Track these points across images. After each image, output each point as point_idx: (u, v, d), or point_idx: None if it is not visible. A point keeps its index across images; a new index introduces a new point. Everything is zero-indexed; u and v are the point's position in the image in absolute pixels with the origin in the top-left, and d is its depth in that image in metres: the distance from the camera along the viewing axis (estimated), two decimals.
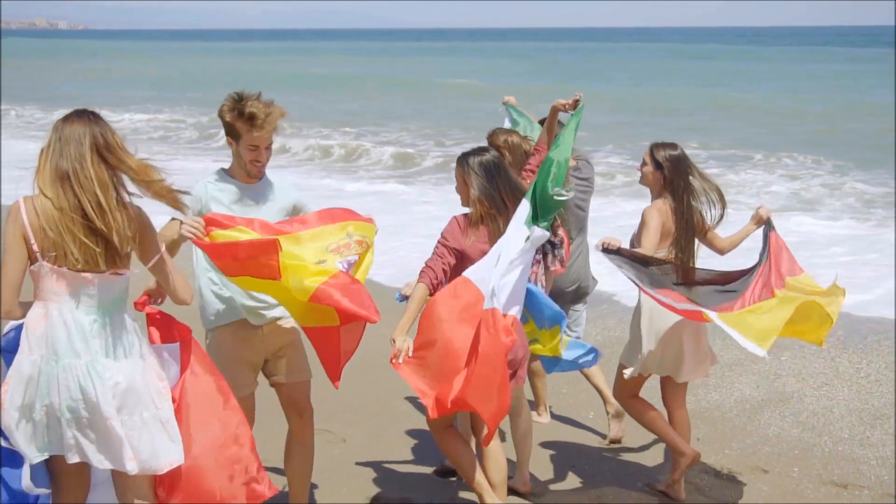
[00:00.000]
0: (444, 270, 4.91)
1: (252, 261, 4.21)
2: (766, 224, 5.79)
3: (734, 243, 5.90)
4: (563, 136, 4.96)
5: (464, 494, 5.68)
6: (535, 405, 7.01)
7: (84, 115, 3.80)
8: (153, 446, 3.84)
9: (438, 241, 5.00)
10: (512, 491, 5.51)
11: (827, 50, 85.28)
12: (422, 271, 4.94)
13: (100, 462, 3.78)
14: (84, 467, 3.92)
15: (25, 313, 3.78)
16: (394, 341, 4.74)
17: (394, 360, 4.72)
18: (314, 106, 33.30)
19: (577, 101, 5.54)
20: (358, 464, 6.12)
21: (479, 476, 4.95)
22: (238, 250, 4.21)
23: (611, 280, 8.60)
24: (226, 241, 4.23)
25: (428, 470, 6.06)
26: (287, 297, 4.39)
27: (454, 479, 5.90)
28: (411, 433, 6.68)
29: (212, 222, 4.29)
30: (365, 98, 38.52)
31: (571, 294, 6.43)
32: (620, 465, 6.25)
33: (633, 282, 5.42)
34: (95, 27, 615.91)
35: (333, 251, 4.46)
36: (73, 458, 3.79)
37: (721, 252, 5.93)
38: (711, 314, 5.15)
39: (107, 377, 3.73)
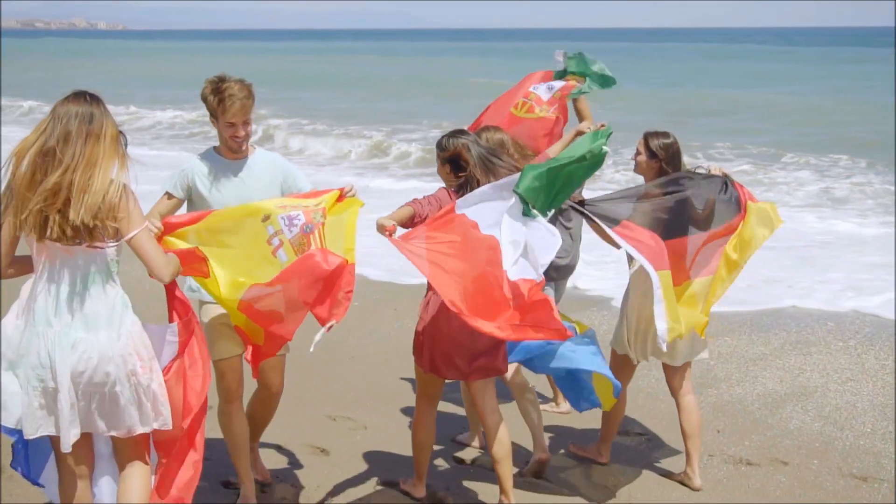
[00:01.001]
0: (430, 213, 4.96)
1: (188, 266, 4.42)
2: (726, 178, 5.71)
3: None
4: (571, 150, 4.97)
5: (482, 481, 5.73)
6: (553, 395, 7.07)
7: (81, 96, 3.95)
8: (123, 418, 3.98)
9: (431, 195, 5.11)
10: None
11: (868, 51, 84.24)
12: (411, 201, 5.03)
13: (67, 432, 3.93)
14: (83, 441, 4.07)
15: (20, 272, 4.02)
16: (380, 225, 4.78)
17: (390, 236, 4.74)
18: (349, 105, 33.51)
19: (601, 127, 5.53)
20: (378, 450, 6.19)
21: (422, 462, 5.37)
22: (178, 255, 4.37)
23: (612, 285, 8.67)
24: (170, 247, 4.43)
25: (446, 453, 6.11)
26: (220, 297, 4.60)
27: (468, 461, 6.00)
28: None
29: (168, 227, 4.51)
30: (397, 97, 38.65)
31: (565, 269, 6.50)
32: (635, 454, 6.27)
33: (605, 228, 5.38)
34: (134, 27, 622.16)
35: (280, 207, 4.62)
36: (41, 431, 3.94)
37: None
38: (654, 275, 5.19)
39: (80, 349, 3.86)
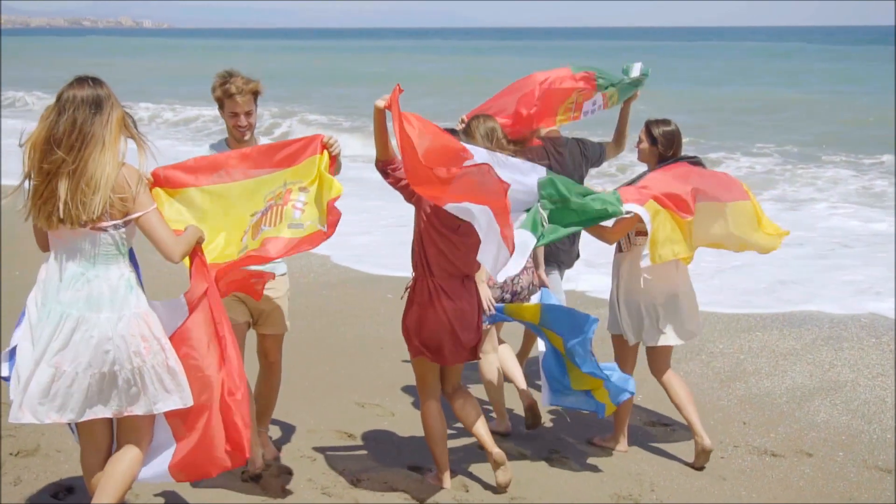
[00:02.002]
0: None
1: None
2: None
3: None
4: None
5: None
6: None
7: (84, 81, 4.05)
8: (120, 398, 4.06)
9: None
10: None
11: None
12: None
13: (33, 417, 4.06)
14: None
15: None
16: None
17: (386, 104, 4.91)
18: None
19: None
20: (405, 436, 6.28)
21: (441, 454, 5.48)
22: None
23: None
24: None
25: (469, 440, 6.19)
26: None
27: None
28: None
29: (166, 181, 4.63)
30: (440, 95, 38.72)
31: (572, 255, 6.93)
32: (660, 444, 6.30)
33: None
34: (180, 26, 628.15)
35: (269, 200, 4.78)
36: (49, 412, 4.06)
37: None
38: (641, 211, 5.53)
39: (82, 328, 3.97)
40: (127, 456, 4.21)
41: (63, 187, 3.93)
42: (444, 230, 5.18)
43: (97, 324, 3.99)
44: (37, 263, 4.24)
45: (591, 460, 5.98)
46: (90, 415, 4.07)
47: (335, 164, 4.91)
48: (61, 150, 3.93)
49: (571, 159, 6.68)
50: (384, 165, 5.18)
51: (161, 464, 4.33)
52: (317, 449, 5.98)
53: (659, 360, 6.07)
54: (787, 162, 20.15)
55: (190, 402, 4.18)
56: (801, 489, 5.70)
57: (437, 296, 5.21)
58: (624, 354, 6.09)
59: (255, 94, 5.30)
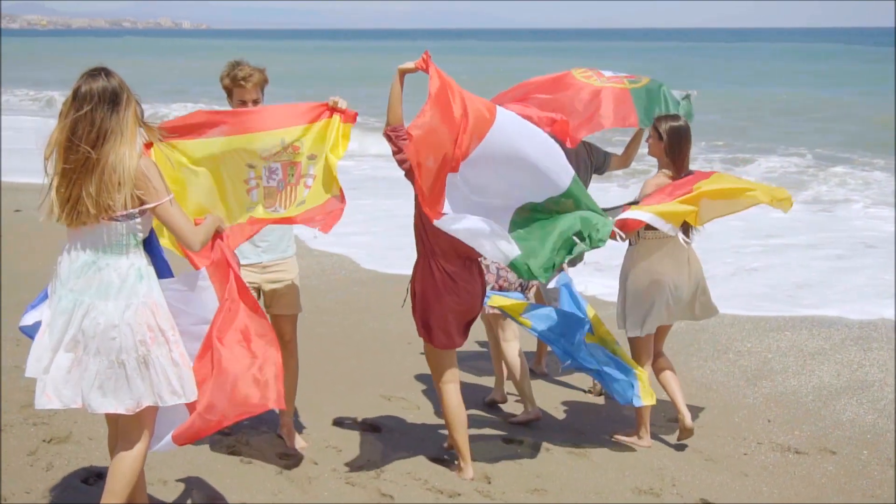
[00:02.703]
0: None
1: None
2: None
3: None
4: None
5: (524, 458, 5.85)
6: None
7: (98, 74, 4.08)
8: (127, 390, 4.09)
9: None
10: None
11: None
12: None
13: (57, 402, 4.13)
14: None
15: None
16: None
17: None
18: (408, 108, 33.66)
19: None
20: (429, 428, 6.35)
21: (462, 442, 5.53)
22: None
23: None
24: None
25: (491, 432, 6.25)
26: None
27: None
28: (475, 403, 6.87)
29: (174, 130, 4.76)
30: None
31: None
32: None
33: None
34: (219, 27, 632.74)
35: (265, 158, 4.92)
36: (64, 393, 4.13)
37: None
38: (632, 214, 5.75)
39: (91, 315, 4.04)
40: (130, 453, 4.24)
41: (86, 186, 3.99)
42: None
43: (104, 311, 4.04)
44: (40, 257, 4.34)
45: (612, 454, 6.01)
46: (104, 407, 4.11)
47: (349, 117, 5.12)
48: (82, 148, 3.98)
49: (576, 161, 6.57)
50: (393, 132, 5.26)
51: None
52: (342, 440, 6.05)
53: (660, 343, 6.29)
54: (821, 163, 20.02)
55: (193, 398, 4.20)
56: (823, 486, 5.70)
57: (442, 276, 5.33)
58: (637, 349, 6.15)
59: (263, 82, 5.49)
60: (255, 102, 5.45)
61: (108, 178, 4.00)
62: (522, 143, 5.14)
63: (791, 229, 13.68)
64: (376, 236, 12.94)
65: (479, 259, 5.54)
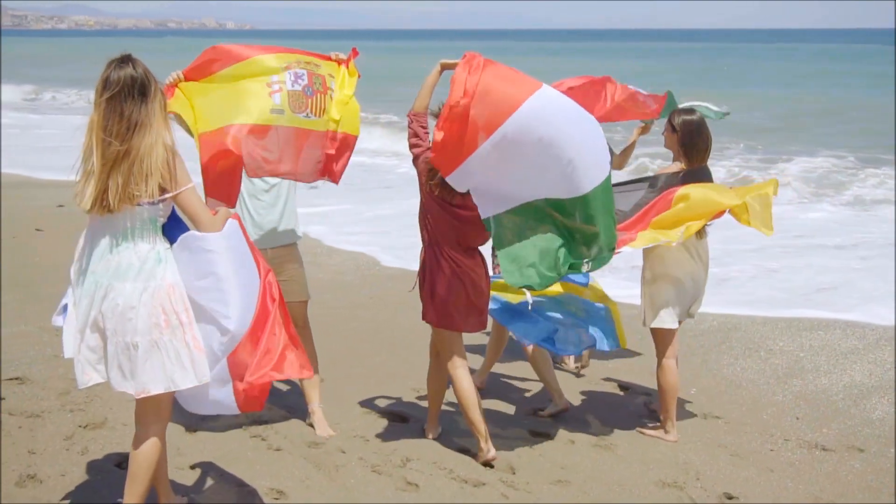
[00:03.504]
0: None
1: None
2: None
3: None
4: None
5: (549, 450, 5.91)
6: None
7: (126, 62, 4.15)
8: (141, 372, 4.15)
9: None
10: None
11: None
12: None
13: (87, 380, 4.24)
14: None
15: None
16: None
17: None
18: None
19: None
20: (457, 420, 6.39)
21: (478, 420, 5.67)
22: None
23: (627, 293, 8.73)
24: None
25: (517, 424, 6.30)
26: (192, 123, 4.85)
27: None
28: (501, 395, 6.95)
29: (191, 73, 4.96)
30: None
31: None
32: (709, 436, 6.33)
33: None
34: (262, 27, 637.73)
35: (285, 68, 5.04)
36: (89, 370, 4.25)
37: None
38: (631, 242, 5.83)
39: (110, 296, 4.13)
40: (147, 438, 4.34)
41: (114, 176, 4.08)
42: (442, 202, 5.49)
43: (123, 292, 4.13)
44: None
45: (637, 448, 6.05)
46: (121, 387, 4.20)
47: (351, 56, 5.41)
48: (115, 139, 4.08)
49: None
50: (415, 116, 5.54)
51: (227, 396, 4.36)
52: (370, 430, 6.14)
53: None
54: (862, 164, 19.83)
55: (206, 380, 4.25)
56: (849, 483, 5.68)
57: (447, 263, 5.54)
58: (658, 341, 6.22)
59: None
60: None
61: (136, 169, 4.09)
62: (560, 130, 5.10)
63: (826, 230, 13.61)
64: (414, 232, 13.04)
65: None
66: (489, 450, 5.65)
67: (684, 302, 6.12)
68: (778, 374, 7.66)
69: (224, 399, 4.31)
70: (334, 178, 5.21)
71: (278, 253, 5.89)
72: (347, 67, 5.32)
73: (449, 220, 5.53)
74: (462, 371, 5.70)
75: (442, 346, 5.76)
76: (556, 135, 5.05)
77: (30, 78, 47.97)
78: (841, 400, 7.08)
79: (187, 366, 4.20)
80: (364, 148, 23.84)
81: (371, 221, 14.01)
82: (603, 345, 6.25)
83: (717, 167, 19.39)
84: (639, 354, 7.96)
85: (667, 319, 6.08)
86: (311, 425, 6.06)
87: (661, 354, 6.19)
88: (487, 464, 5.65)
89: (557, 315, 6.25)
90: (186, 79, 4.92)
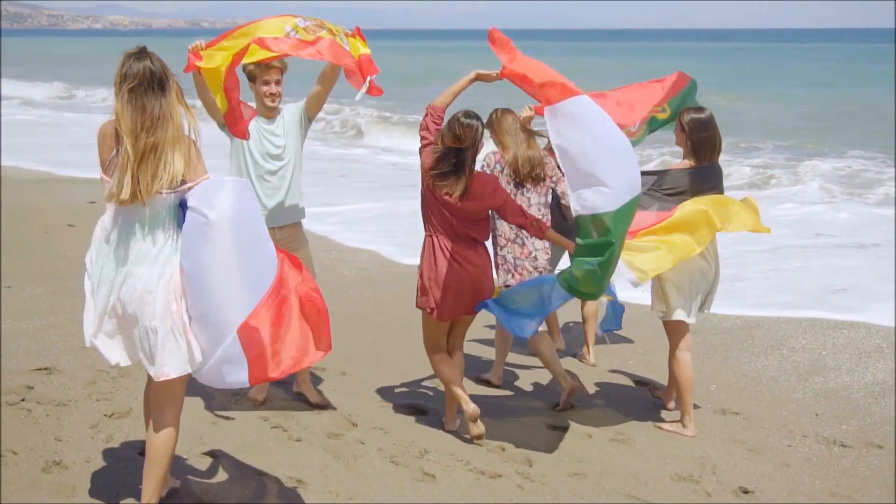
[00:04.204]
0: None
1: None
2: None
3: None
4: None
5: (567, 443, 5.95)
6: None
7: (142, 56, 4.24)
8: (159, 356, 4.25)
9: None
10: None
11: None
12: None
13: (114, 358, 4.34)
14: None
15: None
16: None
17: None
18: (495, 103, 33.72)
19: None
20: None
21: (460, 394, 5.91)
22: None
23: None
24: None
25: (536, 418, 6.35)
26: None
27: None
28: (515, 387, 7.00)
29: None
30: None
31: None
32: (728, 432, 6.35)
33: None
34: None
35: (295, 24, 5.67)
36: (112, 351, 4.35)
37: None
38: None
39: (129, 282, 4.23)
40: (165, 422, 4.43)
41: (148, 168, 4.18)
42: (438, 194, 5.67)
43: (141, 277, 4.22)
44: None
45: (655, 442, 6.08)
46: (150, 370, 4.32)
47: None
48: (142, 133, 4.17)
49: None
50: (433, 110, 5.77)
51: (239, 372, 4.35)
52: (390, 422, 6.22)
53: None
54: (891, 164, 19.68)
55: (192, 368, 4.32)
56: (866, 479, 5.69)
57: (443, 253, 5.72)
58: (668, 332, 6.33)
59: (283, 67, 6.17)
60: (278, 83, 6.15)
61: (163, 161, 4.19)
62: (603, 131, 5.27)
63: (853, 230, 13.55)
64: None
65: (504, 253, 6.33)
66: (473, 411, 5.84)
67: (694, 296, 6.17)
68: (799, 372, 7.65)
69: (236, 376, 4.35)
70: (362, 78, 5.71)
71: (286, 233, 6.15)
72: (359, 37, 5.89)
73: (443, 212, 5.70)
74: (438, 357, 6.02)
75: (426, 332, 5.99)
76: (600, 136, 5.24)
77: (65, 76, 48.61)
78: (862, 398, 7.07)
79: (196, 350, 4.30)
80: (392, 147, 24.02)
81: (397, 219, 14.08)
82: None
83: (745, 166, 19.35)
84: (656, 350, 7.98)
85: (677, 312, 6.14)
86: (302, 393, 6.46)
87: (674, 347, 6.25)
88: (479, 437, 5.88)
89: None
90: (206, 47, 5.52)
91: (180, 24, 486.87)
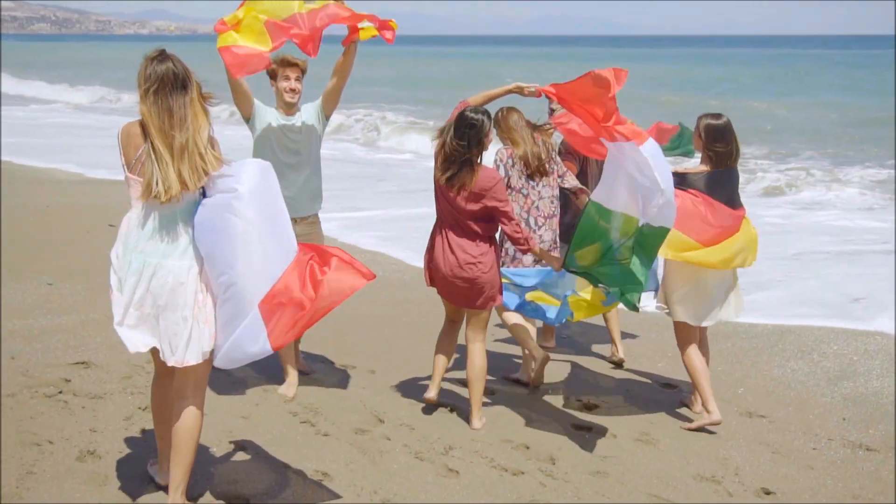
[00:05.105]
0: None
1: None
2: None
3: None
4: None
5: (590, 442, 6.00)
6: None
7: (163, 59, 4.39)
8: (185, 344, 4.40)
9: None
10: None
11: None
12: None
13: (136, 345, 4.46)
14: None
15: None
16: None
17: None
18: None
19: None
20: (505, 414, 6.53)
21: (440, 367, 6.42)
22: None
23: None
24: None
25: (561, 417, 6.41)
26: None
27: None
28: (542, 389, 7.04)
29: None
30: None
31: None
32: (754, 435, 6.36)
33: None
34: (338, 32, 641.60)
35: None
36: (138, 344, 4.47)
37: None
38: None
39: (159, 274, 4.37)
40: (190, 408, 4.58)
41: (182, 166, 4.33)
42: (444, 188, 5.97)
43: (171, 269, 4.39)
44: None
45: (679, 443, 6.12)
46: (169, 361, 4.45)
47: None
48: (172, 132, 4.32)
49: (598, 168, 7.23)
50: (464, 105, 6.02)
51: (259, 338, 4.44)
52: (417, 419, 6.31)
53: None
54: None
55: (209, 354, 4.51)
56: (890, 483, 5.68)
57: (443, 239, 6.03)
58: (676, 332, 6.51)
59: (304, 66, 6.51)
60: (298, 80, 6.48)
61: (192, 159, 4.34)
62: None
63: (891, 238, 13.45)
64: None
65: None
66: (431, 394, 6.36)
67: (702, 301, 6.29)
68: (829, 377, 7.64)
69: (259, 346, 4.44)
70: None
71: (304, 228, 6.38)
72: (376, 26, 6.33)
73: (447, 206, 5.99)
74: (441, 333, 6.41)
75: (446, 309, 6.39)
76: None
77: (110, 81, 49.25)
78: (890, 403, 7.04)
79: (214, 336, 4.47)
80: (426, 152, 24.15)
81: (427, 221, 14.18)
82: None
83: (783, 173, 19.19)
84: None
85: (682, 314, 6.29)
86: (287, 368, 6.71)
87: (680, 346, 6.45)
88: None
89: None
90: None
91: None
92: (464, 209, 5.93)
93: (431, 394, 6.39)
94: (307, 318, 4.39)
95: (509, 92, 6.21)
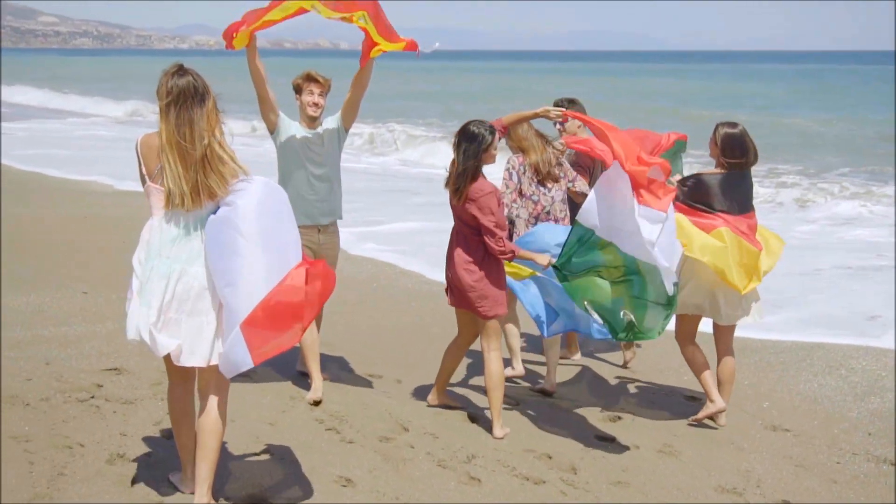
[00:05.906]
0: None
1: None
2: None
3: None
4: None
5: (612, 453, 6.03)
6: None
7: (183, 74, 4.53)
8: (207, 346, 4.52)
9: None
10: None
11: None
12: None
13: (165, 347, 4.52)
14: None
15: None
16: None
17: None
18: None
19: None
20: (527, 422, 6.58)
21: (442, 377, 6.73)
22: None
23: None
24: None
25: (583, 429, 6.44)
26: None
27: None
28: (563, 397, 7.10)
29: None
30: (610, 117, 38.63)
31: None
32: (777, 447, 6.35)
33: None
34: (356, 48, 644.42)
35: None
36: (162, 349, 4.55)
37: None
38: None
39: (184, 280, 4.49)
40: (213, 415, 4.69)
41: (203, 176, 4.47)
42: (450, 196, 6.23)
43: (196, 275, 4.52)
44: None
45: (701, 455, 6.14)
46: (189, 361, 4.56)
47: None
48: (189, 145, 4.46)
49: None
50: (497, 123, 6.28)
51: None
52: (440, 428, 6.37)
53: (722, 337, 6.81)
54: None
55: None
56: None
57: (451, 247, 6.30)
58: (686, 325, 6.71)
59: (328, 85, 6.88)
60: (322, 95, 6.82)
61: (212, 169, 4.48)
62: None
63: None
64: None
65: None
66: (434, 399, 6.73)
67: (704, 296, 6.49)
68: (856, 392, 7.61)
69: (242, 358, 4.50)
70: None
71: (326, 236, 6.87)
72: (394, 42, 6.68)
73: (453, 214, 6.28)
74: (451, 344, 6.63)
75: (457, 321, 6.59)
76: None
77: (148, 95, 49.84)
78: None
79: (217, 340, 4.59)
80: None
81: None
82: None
83: (817, 187, 19.03)
84: (711, 367, 7.98)
85: (684, 304, 6.44)
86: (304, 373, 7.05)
87: (679, 340, 6.75)
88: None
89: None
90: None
91: (263, 44, 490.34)
92: (460, 217, 6.21)
93: (430, 397, 6.79)
94: (290, 336, 4.50)
95: (537, 115, 6.46)
